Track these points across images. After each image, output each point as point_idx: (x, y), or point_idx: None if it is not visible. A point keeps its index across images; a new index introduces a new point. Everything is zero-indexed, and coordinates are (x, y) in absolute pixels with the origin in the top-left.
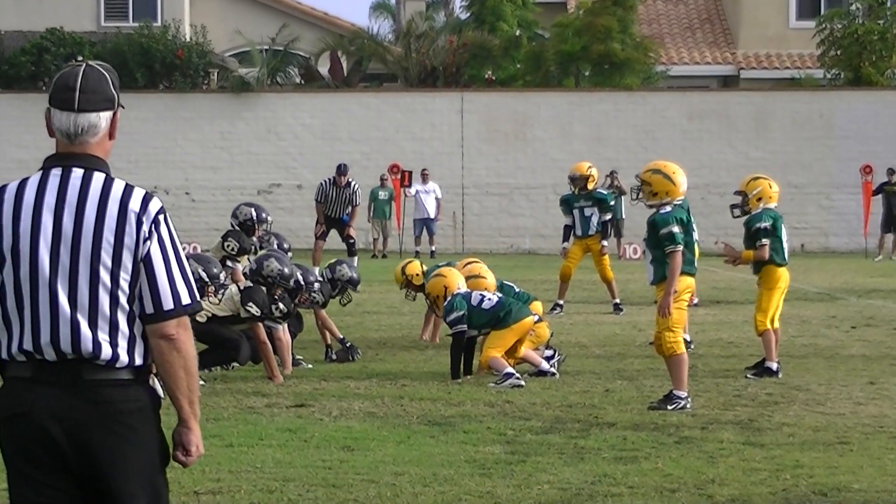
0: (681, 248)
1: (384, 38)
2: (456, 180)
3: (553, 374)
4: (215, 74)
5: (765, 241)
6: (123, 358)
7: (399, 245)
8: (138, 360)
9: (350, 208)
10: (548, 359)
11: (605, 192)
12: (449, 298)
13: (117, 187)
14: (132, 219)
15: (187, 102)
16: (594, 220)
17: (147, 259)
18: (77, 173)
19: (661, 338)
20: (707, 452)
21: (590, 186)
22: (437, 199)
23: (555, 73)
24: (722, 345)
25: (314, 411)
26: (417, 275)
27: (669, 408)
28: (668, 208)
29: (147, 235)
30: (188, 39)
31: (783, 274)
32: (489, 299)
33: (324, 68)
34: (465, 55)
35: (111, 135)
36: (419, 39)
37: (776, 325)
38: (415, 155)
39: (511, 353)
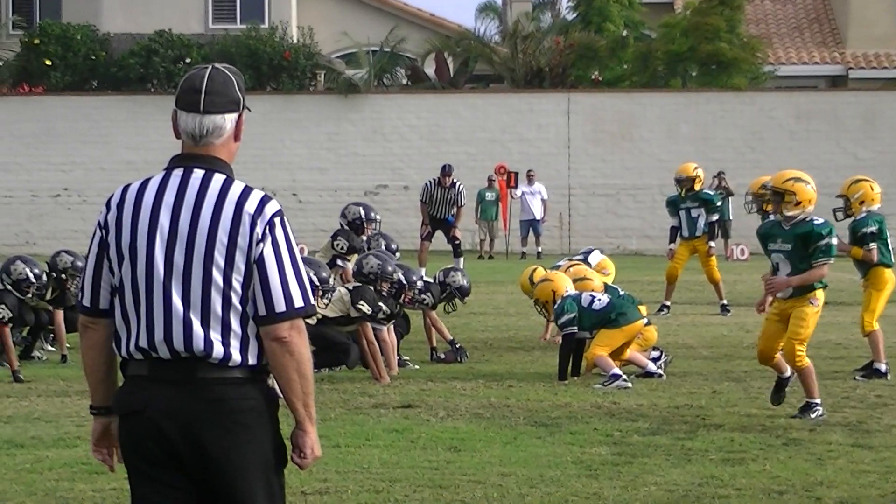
0: (832, 261)
1: (490, 39)
2: (562, 181)
3: (660, 375)
4: (322, 76)
5: (873, 245)
6: (236, 357)
7: (506, 246)
8: (252, 360)
9: (455, 209)
10: (654, 360)
11: (711, 193)
12: (559, 301)
13: (235, 189)
14: (246, 220)
15: (294, 104)
16: (701, 221)
17: (260, 261)
18: (198, 174)
19: (790, 348)
20: (815, 454)
21: (696, 187)
22: (542, 200)
23: (662, 73)
24: (830, 346)
25: (421, 412)
26: None
27: (812, 416)
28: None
29: (261, 237)
30: (295, 41)
31: (892, 275)
32: (599, 300)
33: (430, 69)
34: (572, 56)
35: (236, 136)
36: (525, 40)
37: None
38: (521, 156)
39: (617, 354)
